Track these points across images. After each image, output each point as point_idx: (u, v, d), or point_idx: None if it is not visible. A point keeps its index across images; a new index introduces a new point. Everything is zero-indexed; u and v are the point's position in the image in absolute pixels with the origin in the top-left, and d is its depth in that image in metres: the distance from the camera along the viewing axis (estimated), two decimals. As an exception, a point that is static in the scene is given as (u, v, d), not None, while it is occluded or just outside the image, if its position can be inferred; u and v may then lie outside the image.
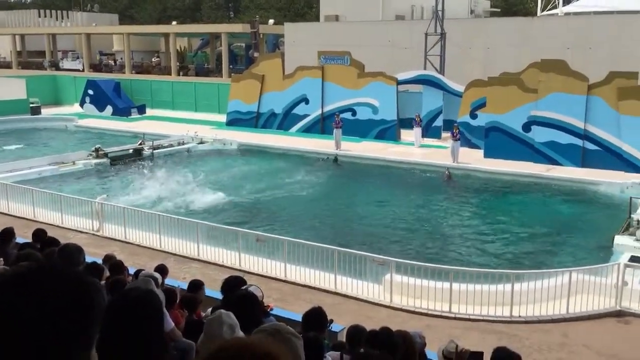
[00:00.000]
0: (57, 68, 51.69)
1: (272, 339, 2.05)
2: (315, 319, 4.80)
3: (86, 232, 15.19)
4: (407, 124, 27.44)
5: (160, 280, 6.57)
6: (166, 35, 50.23)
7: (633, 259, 12.33)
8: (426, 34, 29.40)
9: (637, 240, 13.68)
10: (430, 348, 6.50)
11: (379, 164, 24.30)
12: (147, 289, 2.62)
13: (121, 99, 38.48)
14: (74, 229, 15.40)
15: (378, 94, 28.23)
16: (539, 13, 39.58)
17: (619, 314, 10.53)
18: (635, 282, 10.90)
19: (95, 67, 50.88)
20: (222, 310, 3.34)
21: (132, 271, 7.86)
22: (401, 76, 28.04)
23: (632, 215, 15.06)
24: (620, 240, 13.90)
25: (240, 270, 11.77)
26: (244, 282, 5.74)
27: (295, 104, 30.64)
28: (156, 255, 13.21)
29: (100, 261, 7.78)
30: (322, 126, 29.85)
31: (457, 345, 5.06)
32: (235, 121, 32.29)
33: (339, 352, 4.77)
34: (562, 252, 14.71)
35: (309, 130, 30.25)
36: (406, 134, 27.61)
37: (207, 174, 23.42)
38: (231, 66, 43.77)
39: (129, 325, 2.21)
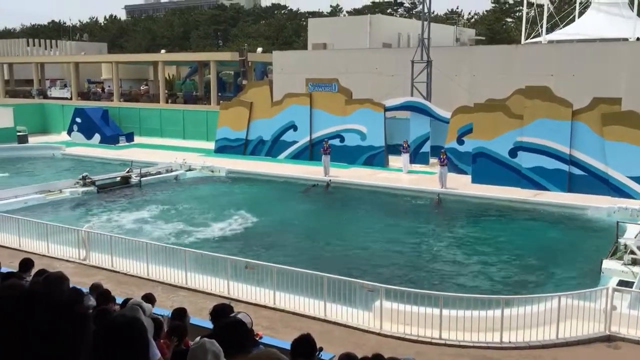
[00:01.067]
0: (45, 96, 51.63)
1: None
2: (304, 346, 4.75)
3: (72, 261, 15.01)
4: (395, 150, 27.63)
5: (149, 309, 6.49)
6: (155, 64, 50.43)
7: (621, 283, 12.38)
8: (412, 62, 29.78)
9: (624, 264, 13.74)
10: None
11: (368, 190, 24.35)
12: (133, 316, 2.59)
13: (109, 127, 38.43)
14: (60, 258, 15.22)
15: (366, 121, 28.46)
16: (523, 41, 40.26)
17: (609, 339, 10.52)
18: (624, 306, 10.93)
19: (84, 95, 50.87)
20: (206, 339, 3.31)
21: (119, 301, 7.75)
22: (388, 103, 28.32)
23: (619, 240, 15.14)
24: (608, 264, 13.95)
25: (229, 298, 11.67)
26: (231, 309, 5.68)
27: (284, 130, 30.77)
28: (143, 284, 13.05)
29: (86, 290, 7.68)
30: (310, 153, 29.95)
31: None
32: (224, 148, 32.33)
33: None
34: (550, 276, 14.72)
35: (297, 156, 30.33)
36: (394, 160, 27.76)
37: (195, 201, 23.34)
38: (220, 94, 43.95)
39: (115, 352, 2.18)
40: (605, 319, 10.62)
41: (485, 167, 23.95)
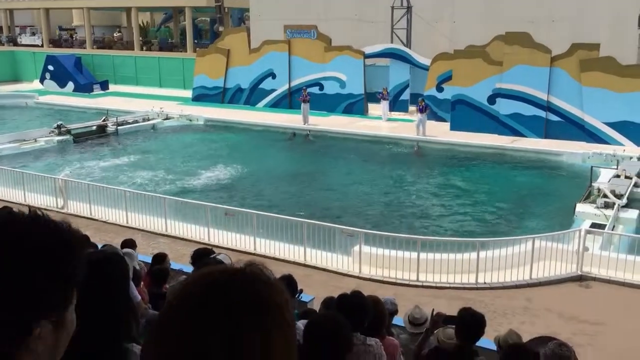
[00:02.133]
0: (15, 44, 49.99)
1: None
2: (286, 285, 4.81)
3: (50, 210, 14.88)
4: (375, 97, 27.49)
5: (135, 255, 6.49)
6: (128, 10, 48.89)
7: (594, 225, 12.71)
8: (392, 8, 29.31)
9: (597, 207, 14.07)
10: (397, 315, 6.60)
11: (347, 138, 24.33)
12: (113, 252, 2.59)
13: (83, 75, 37.54)
14: (37, 207, 15.06)
15: (345, 68, 28.15)
16: (503, -14, 39.71)
17: (580, 279, 10.87)
18: (595, 247, 11.26)
19: (55, 43, 49.35)
20: (183, 277, 3.34)
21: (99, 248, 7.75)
22: (368, 50, 27.97)
23: (593, 184, 15.46)
24: (581, 208, 14.27)
25: (209, 245, 11.71)
26: (211, 252, 5.72)
27: (262, 78, 30.35)
28: (123, 232, 13.05)
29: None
30: (289, 101, 29.68)
31: (432, 310, 5.11)
32: (202, 97, 31.87)
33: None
34: (525, 220, 15.05)
35: (276, 105, 30.04)
36: (373, 108, 27.66)
37: (173, 150, 23.16)
38: (196, 41, 42.96)
39: (94, 286, 2.18)
40: (578, 260, 10.94)
41: (464, 114, 24.00)
